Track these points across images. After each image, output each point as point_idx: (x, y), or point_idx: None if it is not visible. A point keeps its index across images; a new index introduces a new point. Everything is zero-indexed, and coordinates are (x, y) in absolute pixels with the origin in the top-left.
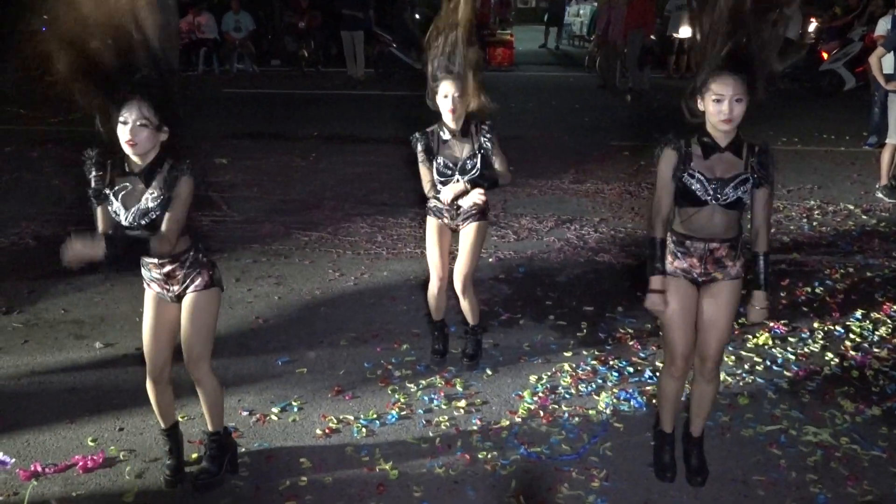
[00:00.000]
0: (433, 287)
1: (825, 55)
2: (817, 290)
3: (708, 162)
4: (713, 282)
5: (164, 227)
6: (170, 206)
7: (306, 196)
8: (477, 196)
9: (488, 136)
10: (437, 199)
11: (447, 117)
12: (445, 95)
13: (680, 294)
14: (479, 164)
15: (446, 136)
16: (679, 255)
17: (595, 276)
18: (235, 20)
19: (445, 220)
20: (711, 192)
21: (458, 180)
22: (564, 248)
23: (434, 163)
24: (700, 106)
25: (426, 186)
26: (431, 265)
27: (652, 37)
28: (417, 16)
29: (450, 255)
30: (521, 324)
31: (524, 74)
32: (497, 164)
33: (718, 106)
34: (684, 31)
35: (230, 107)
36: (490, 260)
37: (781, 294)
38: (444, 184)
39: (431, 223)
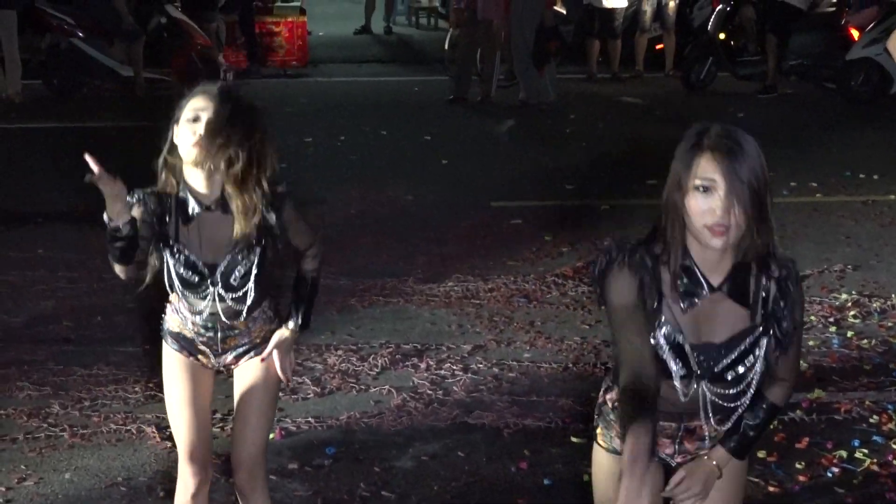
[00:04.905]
0: (183, 490)
1: (855, 34)
2: (857, 455)
3: (688, 314)
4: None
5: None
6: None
7: None
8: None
9: (279, 203)
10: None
11: (189, 155)
12: (196, 118)
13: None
14: (255, 264)
15: (192, 208)
16: None
17: (468, 453)
18: None
19: (202, 359)
20: (695, 365)
21: (215, 297)
22: (409, 404)
23: (166, 254)
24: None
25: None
26: (179, 443)
27: (558, 7)
28: None
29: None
30: None
31: (328, 82)
32: (308, 257)
33: (706, 200)
34: None
35: None
36: (272, 436)
37: (797, 465)
38: (188, 291)
39: (173, 362)
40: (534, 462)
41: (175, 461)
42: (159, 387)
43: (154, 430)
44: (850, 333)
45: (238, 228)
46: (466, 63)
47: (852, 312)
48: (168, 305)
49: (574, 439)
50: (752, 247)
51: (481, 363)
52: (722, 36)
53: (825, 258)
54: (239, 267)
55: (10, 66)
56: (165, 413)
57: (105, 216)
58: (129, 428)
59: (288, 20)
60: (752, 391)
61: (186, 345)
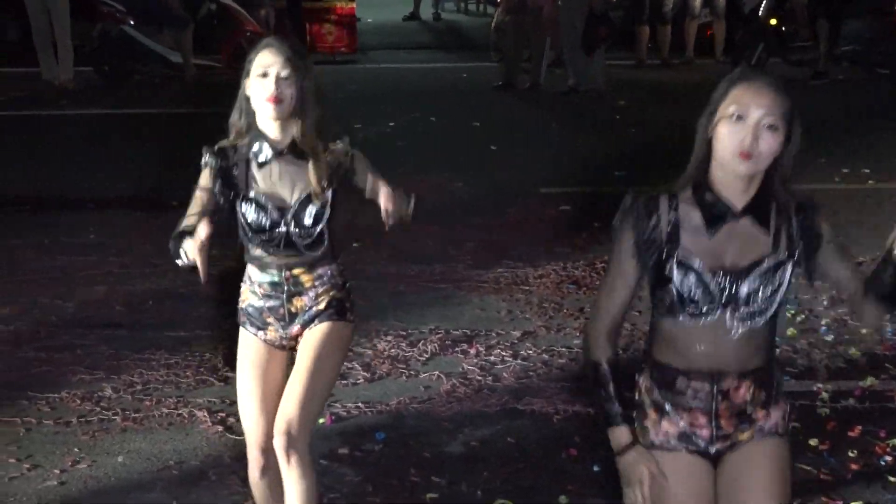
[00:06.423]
0: (253, 469)
1: None
2: None
3: (712, 240)
4: (734, 447)
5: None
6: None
7: None
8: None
9: (350, 152)
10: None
11: (265, 110)
12: (265, 73)
13: (684, 480)
14: (327, 204)
15: (265, 154)
16: (667, 408)
17: (518, 439)
18: None
19: (271, 333)
20: (718, 294)
21: (286, 239)
22: (458, 389)
23: (238, 204)
24: (709, 134)
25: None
26: (247, 425)
27: None
28: None
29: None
30: None
31: (376, 68)
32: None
33: (736, 128)
34: None
35: None
36: (322, 420)
37: (850, 453)
38: (263, 242)
39: (246, 347)
40: (583, 448)
41: (226, 446)
42: (211, 371)
43: (206, 414)
44: None
45: (312, 167)
46: (515, 49)
47: None
48: (242, 284)
49: None
50: (774, 178)
51: (531, 349)
52: (773, 21)
53: (879, 245)
54: (311, 206)
55: (62, 54)
56: (216, 397)
57: (181, 254)
58: (180, 412)
59: (337, 6)
60: (776, 320)
61: (256, 319)
